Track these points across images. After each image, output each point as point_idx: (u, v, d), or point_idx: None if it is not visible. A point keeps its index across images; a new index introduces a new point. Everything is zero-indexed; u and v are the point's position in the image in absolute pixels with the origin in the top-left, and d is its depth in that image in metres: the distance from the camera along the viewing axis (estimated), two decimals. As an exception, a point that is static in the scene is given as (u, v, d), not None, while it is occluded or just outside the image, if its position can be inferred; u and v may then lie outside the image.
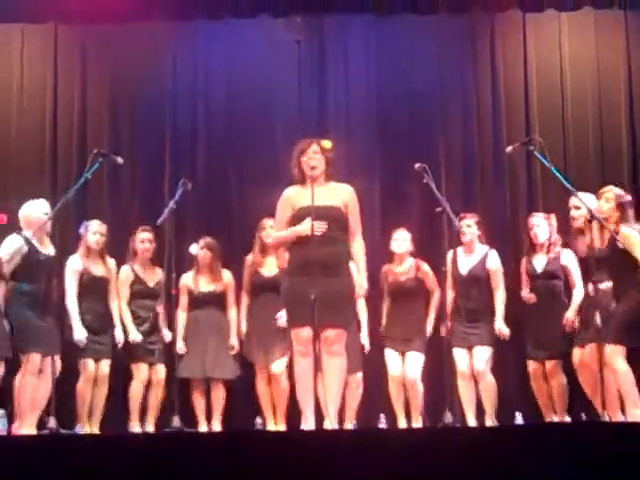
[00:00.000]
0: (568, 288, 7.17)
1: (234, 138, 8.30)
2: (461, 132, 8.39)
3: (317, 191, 5.57)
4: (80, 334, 7.02)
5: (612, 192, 6.32)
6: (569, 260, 7.13)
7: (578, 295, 7.02)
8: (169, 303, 7.13)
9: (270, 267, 7.35)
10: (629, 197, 6.35)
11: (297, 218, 5.66)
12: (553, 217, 7.23)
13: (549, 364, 7.12)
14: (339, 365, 5.63)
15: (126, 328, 7.31)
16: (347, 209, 5.74)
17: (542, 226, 7.21)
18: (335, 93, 8.49)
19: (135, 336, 7.27)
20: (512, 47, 8.47)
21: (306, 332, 5.50)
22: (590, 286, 6.37)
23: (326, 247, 5.52)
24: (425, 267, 7.43)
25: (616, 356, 6.02)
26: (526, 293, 7.23)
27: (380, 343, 7.40)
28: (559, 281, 7.19)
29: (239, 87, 8.40)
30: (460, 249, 7.27)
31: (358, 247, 5.80)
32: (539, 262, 7.23)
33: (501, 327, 7.19)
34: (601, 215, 6.16)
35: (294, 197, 5.74)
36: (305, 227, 5.54)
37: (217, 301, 7.53)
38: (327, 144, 5.78)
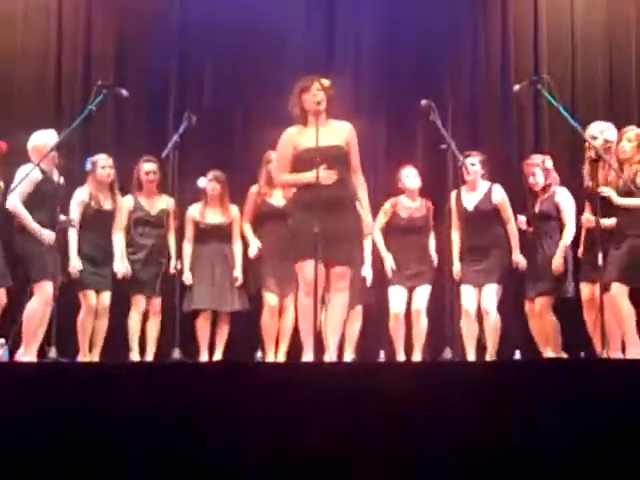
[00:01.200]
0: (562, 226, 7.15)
1: (240, 72, 8.27)
2: (469, 70, 8.37)
3: (320, 131, 5.54)
4: (75, 263, 7.04)
5: (634, 132, 6.28)
6: (563, 198, 7.10)
7: (568, 236, 7.01)
8: (176, 234, 7.23)
9: (278, 197, 7.33)
10: None
11: (301, 159, 5.65)
12: (547, 158, 7.20)
13: (538, 302, 7.11)
14: (342, 300, 5.68)
15: (114, 257, 7.30)
16: (349, 146, 5.73)
17: (537, 174, 7.18)
18: (344, 29, 8.44)
19: (118, 268, 7.26)
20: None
21: (311, 267, 5.47)
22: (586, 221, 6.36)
23: (332, 186, 5.53)
24: (430, 207, 7.50)
25: (620, 295, 6.04)
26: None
27: (381, 278, 7.41)
28: (555, 222, 7.15)
29: (247, 22, 8.31)
30: (463, 188, 7.21)
31: (360, 184, 5.82)
32: (537, 203, 7.22)
33: (518, 258, 7.21)
34: (624, 155, 6.13)
35: (296, 137, 5.72)
36: (312, 176, 5.52)
37: (223, 234, 7.54)
38: (326, 82, 5.74)
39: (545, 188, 7.18)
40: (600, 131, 6.49)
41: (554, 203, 7.14)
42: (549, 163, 7.19)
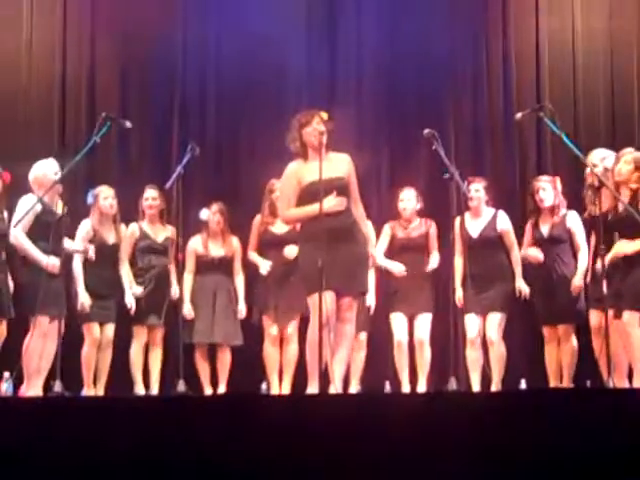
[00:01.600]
0: (574, 250, 7.12)
1: (243, 102, 8.33)
2: (471, 98, 8.40)
3: (321, 165, 5.51)
4: (84, 299, 7.04)
5: (631, 155, 6.26)
6: (574, 222, 7.07)
7: (583, 259, 6.97)
8: (177, 266, 7.20)
9: (280, 226, 7.33)
10: None
11: (307, 193, 5.64)
12: (558, 180, 7.19)
13: (561, 328, 7.08)
14: (349, 331, 5.67)
15: (122, 288, 7.31)
16: (350, 177, 5.75)
17: (547, 189, 7.15)
18: (345, 56, 8.51)
19: (130, 300, 7.26)
20: (524, 10, 8.44)
21: (322, 300, 5.41)
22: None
23: (337, 216, 5.53)
24: (433, 227, 7.46)
25: (632, 323, 6.00)
26: (533, 251, 7.13)
27: (386, 307, 7.40)
28: (566, 245, 7.12)
29: (249, 52, 8.36)
30: (467, 214, 7.24)
31: (360, 215, 5.84)
32: (545, 226, 7.18)
33: (522, 286, 7.16)
34: (620, 178, 6.13)
35: (300, 172, 5.70)
36: (318, 208, 5.46)
37: (225, 266, 7.56)
38: (325, 115, 5.75)
39: (554, 210, 7.14)
40: (600, 159, 6.49)
41: (566, 227, 7.11)
42: (559, 185, 7.18)
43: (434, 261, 7.40)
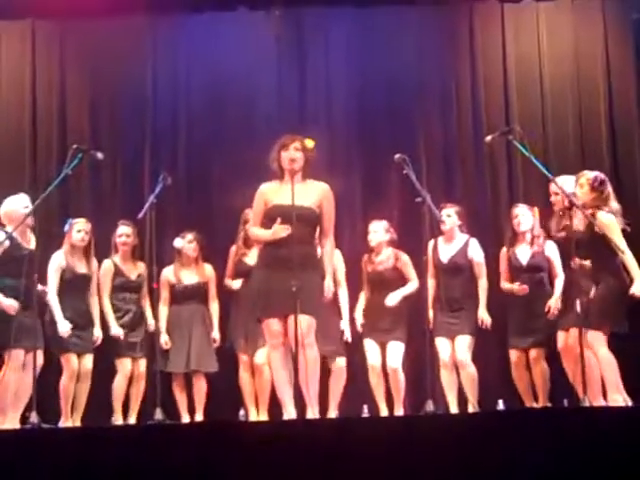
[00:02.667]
0: (551, 277, 7.20)
1: (214, 132, 8.34)
2: (441, 122, 8.43)
3: (291, 190, 5.57)
4: (64, 327, 7.00)
5: (584, 177, 6.33)
6: (552, 251, 7.16)
7: (560, 284, 7.05)
8: (152, 296, 7.17)
9: (253, 256, 7.35)
10: (602, 176, 6.34)
11: (269, 215, 5.69)
12: (536, 210, 7.26)
13: (533, 352, 7.14)
14: (313, 356, 5.62)
15: (107, 323, 7.30)
16: (321, 209, 5.76)
17: (526, 215, 7.23)
18: (315, 86, 8.52)
19: (117, 331, 7.26)
20: (491, 37, 8.49)
21: (275, 323, 5.60)
22: (573, 264, 6.32)
23: (297, 246, 5.53)
24: (404, 257, 7.43)
25: (598, 342, 6.05)
26: (517, 285, 7.15)
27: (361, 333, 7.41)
28: (544, 273, 7.22)
29: (219, 81, 8.42)
30: (440, 239, 7.28)
31: (328, 249, 5.87)
32: (523, 254, 7.24)
33: (484, 316, 7.21)
34: (579, 201, 6.19)
35: (269, 193, 5.77)
36: (274, 233, 5.58)
37: (199, 294, 7.55)
38: (310, 143, 5.79)
39: (533, 239, 7.21)
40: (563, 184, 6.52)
41: (545, 256, 7.20)
42: (537, 215, 7.25)
43: (410, 288, 7.38)
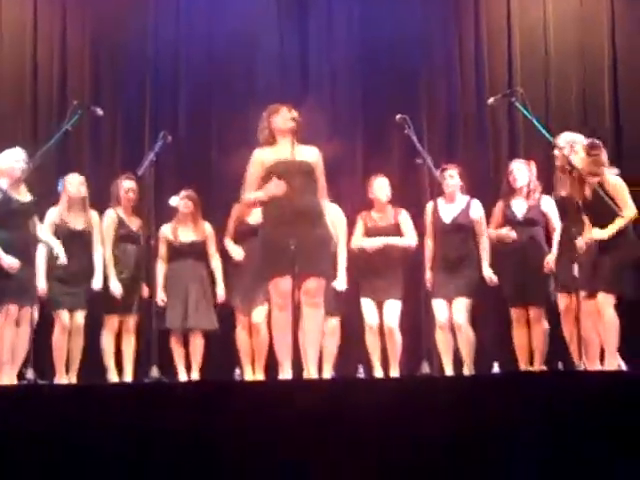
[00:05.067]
0: (548, 234, 7.17)
1: (215, 92, 8.32)
2: (444, 84, 8.43)
3: (288, 149, 5.61)
4: (42, 285, 6.97)
5: (579, 144, 6.35)
6: (549, 206, 7.11)
7: (557, 239, 6.98)
8: (148, 254, 7.14)
9: (255, 216, 7.34)
10: (597, 141, 6.36)
11: (272, 172, 5.66)
12: (533, 164, 7.23)
13: (532, 311, 7.11)
14: (319, 316, 5.67)
15: (107, 275, 7.29)
16: (316, 169, 5.78)
17: (522, 170, 7.20)
18: (317, 46, 8.51)
19: (115, 287, 7.27)
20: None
21: (286, 283, 5.48)
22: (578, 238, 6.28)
23: (304, 197, 5.56)
24: (403, 213, 7.42)
25: (607, 304, 6.08)
26: (507, 230, 7.13)
27: (357, 290, 7.39)
28: (540, 228, 7.18)
29: (220, 40, 8.41)
30: (440, 199, 7.24)
31: (325, 203, 5.89)
32: (519, 208, 7.20)
33: (489, 274, 7.19)
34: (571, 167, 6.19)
35: (265, 155, 5.74)
36: (266, 190, 5.59)
37: (197, 252, 7.54)
38: (294, 112, 5.79)
39: (529, 193, 7.19)
40: (569, 142, 6.49)
41: (541, 210, 7.16)
42: (534, 169, 7.22)
43: (408, 241, 7.35)
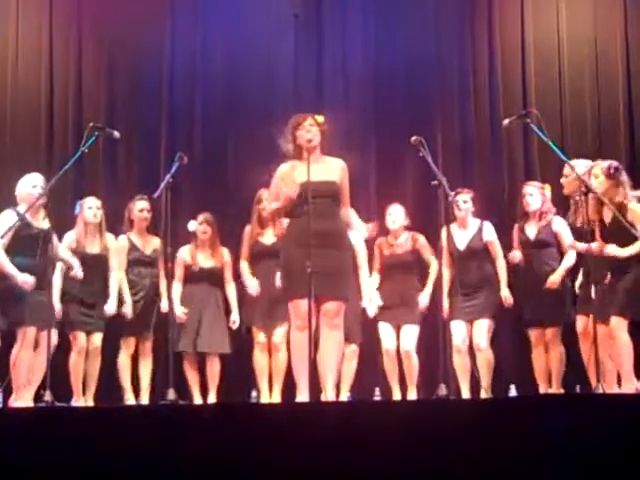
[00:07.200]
0: (562, 253, 7.15)
1: (231, 112, 8.34)
2: (458, 106, 8.42)
3: (313, 166, 5.53)
4: (57, 307, 6.96)
5: (598, 167, 6.27)
6: (560, 227, 7.11)
7: (568, 260, 7.02)
8: (167, 275, 7.17)
9: (269, 236, 7.37)
10: (615, 163, 6.29)
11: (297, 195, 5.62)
12: (548, 187, 7.23)
13: (549, 332, 7.11)
14: (338, 338, 5.64)
15: (122, 298, 7.32)
16: (341, 182, 5.74)
17: (535, 195, 7.21)
18: (333, 66, 8.53)
19: (126, 311, 7.29)
20: (510, 20, 8.48)
21: (305, 304, 5.43)
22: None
23: (324, 220, 5.53)
24: (422, 239, 7.43)
25: (620, 328, 6.04)
26: (512, 253, 7.17)
27: (375, 316, 7.40)
28: (552, 248, 7.17)
29: (237, 60, 8.45)
30: (454, 225, 7.28)
31: (348, 213, 5.87)
32: (531, 230, 7.23)
33: (506, 295, 7.18)
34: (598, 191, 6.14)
35: (290, 172, 5.68)
36: (283, 195, 5.56)
37: (213, 277, 7.55)
38: (320, 118, 5.77)
39: (541, 215, 7.19)
40: (584, 165, 6.46)
41: (552, 231, 7.16)
42: (548, 192, 7.22)
43: (433, 274, 7.36)
